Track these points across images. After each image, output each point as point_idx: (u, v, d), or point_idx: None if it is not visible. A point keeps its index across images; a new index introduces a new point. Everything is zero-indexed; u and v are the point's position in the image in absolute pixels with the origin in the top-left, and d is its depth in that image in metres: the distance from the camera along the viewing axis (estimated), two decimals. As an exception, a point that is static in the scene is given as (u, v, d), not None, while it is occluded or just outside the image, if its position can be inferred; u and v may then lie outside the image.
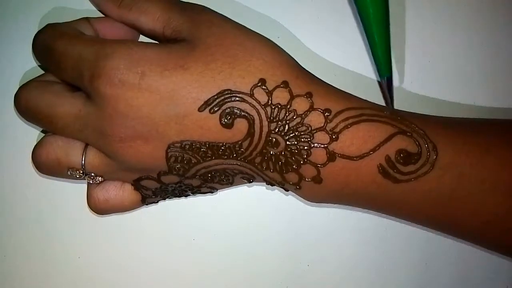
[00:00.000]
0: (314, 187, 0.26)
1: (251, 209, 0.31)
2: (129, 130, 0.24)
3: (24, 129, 0.30)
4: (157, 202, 0.29)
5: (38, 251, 0.31)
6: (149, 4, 0.26)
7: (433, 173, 0.25)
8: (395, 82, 0.31)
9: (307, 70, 0.26)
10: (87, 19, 0.27)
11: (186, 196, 0.29)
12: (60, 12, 0.30)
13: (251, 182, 0.27)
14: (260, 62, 0.25)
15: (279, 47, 0.26)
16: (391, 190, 0.26)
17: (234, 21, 0.26)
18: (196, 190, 0.28)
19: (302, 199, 0.28)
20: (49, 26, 0.27)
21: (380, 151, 0.25)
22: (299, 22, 0.31)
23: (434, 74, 0.31)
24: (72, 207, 0.30)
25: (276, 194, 0.31)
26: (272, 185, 0.27)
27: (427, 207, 0.26)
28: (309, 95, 0.25)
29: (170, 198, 0.29)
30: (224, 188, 0.28)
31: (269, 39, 0.26)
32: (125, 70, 0.24)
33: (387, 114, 0.26)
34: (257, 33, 0.26)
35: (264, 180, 0.27)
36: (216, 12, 0.27)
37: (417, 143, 0.25)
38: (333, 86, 0.26)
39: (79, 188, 0.30)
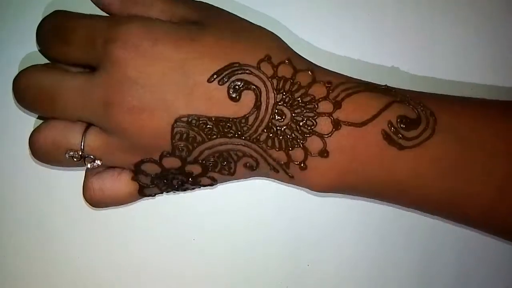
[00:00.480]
0: (321, 165, 0.26)
1: (251, 209, 0.31)
2: (136, 99, 0.25)
3: (24, 128, 0.30)
4: (154, 195, 0.29)
5: (38, 251, 0.31)
6: None
7: (436, 138, 0.25)
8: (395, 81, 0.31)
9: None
10: None
11: (184, 189, 0.28)
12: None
13: (254, 170, 0.27)
14: (265, 43, 0.26)
15: (280, 37, 0.27)
16: (398, 159, 0.26)
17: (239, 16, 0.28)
18: (196, 181, 0.27)
19: (306, 193, 0.28)
20: (57, 11, 0.27)
21: (382, 117, 0.26)
22: (298, 21, 0.31)
23: (434, 72, 0.31)
24: (72, 207, 0.30)
25: (276, 194, 0.31)
26: (277, 171, 0.27)
27: (436, 181, 0.26)
28: (310, 70, 0.26)
29: (168, 191, 0.28)
30: (225, 180, 0.28)
31: (270, 31, 0.27)
32: (140, 35, 0.25)
33: (382, 88, 0.27)
34: (259, 25, 0.28)
35: (268, 164, 0.26)
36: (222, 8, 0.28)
37: (415, 110, 0.26)
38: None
39: (80, 188, 0.30)
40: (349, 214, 0.31)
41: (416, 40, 0.31)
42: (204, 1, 0.28)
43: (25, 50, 0.30)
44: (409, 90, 0.27)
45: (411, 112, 0.26)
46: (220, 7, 0.28)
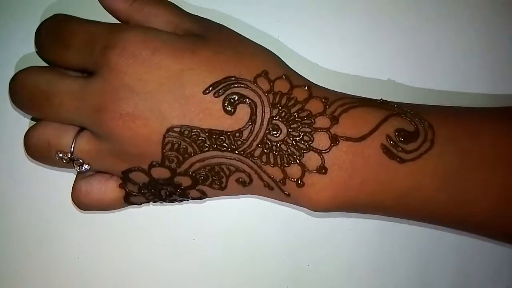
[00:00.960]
0: (319, 182, 0.25)
1: (251, 208, 0.31)
2: (130, 106, 0.24)
3: (23, 128, 0.30)
4: (140, 204, 0.29)
5: (38, 251, 0.31)
6: (162, 8, 0.27)
7: (435, 150, 0.25)
8: (395, 81, 0.31)
9: None
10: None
11: (172, 201, 0.28)
12: (62, 10, 0.30)
13: (246, 186, 0.26)
14: (262, 59, 0.26)
15: (277, 55, 0.27)
16: (398, 173, 0.25)
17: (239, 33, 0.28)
18: (184, 193, 0.27)
19: (303, 212, 0.28)
20: (57, 14, 0.27)
21: (380, 130, 0.25)
22: (299, 22, 0.31)
23: (434, 74, 0.31)
24: (72, 207, 0.30)
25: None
26: (271, 188, 0.26)
27: (437, 192, 0.26)
28: (307, 86, 0.26)
29: (155, 201, 0.28)
30: (215, 195, 0.28)
31: (268, 49, 0.28)
32: (139, 44, 0.25)
33: (379, 102, 0.27)
34: (257, 43, 0.28)
35: (262, 181, 0.26)
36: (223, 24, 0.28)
37: (412, 123, 0.26)
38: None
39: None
40: (349, 214, 0.31)
41: (416, 37, 0.31)
42: (207, 18, 0.28)
43: (23, 51, 0.30)
44: (406, 103, 0.27)
45: (409, 124, 0.26)
46: (221, 23, 0.28)
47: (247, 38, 0.27)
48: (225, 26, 0.28)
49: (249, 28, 0.30)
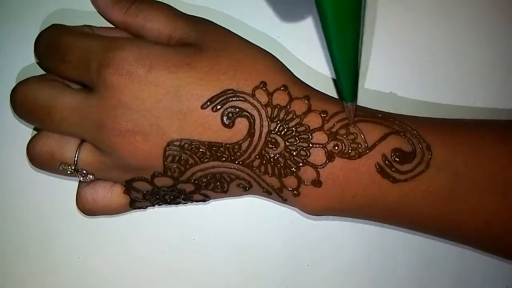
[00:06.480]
0: (313, 193, 0.26)
1: (251, 208, 0.31)
2: (130, 123, 0.25)
3: (25, 129, 0.30)
4: (146, 207, 0.29)
5: (38, 251, 0.31)
6: (157, 13, 0.27)
7: (429, 172, 0.25)
8: (395, 81, 0.31)
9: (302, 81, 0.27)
10: (89, 26, 0.28)
11: (177, 203, 0.29)
12: (62, 16, 0.30)
13: (247, 190, 0.27)
14: (261, 67, 0.26)
15: (276, 57, 0.27)
16: (390, 191, 0.26)
17: (237, 34, 0.27)
18: (188, 197, 0.28)
19: (302, 213, 0.28)
20: (54, 25, 0.27)
21: (377, 149, 0.25)
22: (299, 22, 0.31)
23: (433, 75, 0.31)
24: (72, 207, 0.30)
25: (276, 194, 0.31)
26: (270, 193, 0.27)
27: (427, 209, 0.26)
28: (306, 98, 0.26)
29: (160, 204, 0.29)
30: (218, 197, 0.28)
31: (267, 51, 0.27)
32: (134, 62, 0.24)
33: (379, 116, 0.26)
34: (256, 45, 0.27)
35: (261, 188, 0.27)
36: (220, 25, 0.28)
37: (411, 142, 0.26)
38: (328, 94, 0.27)
39: (79, 188, 0.30)
40: (349, 214, 0.31)
41: (416, 37, 0.31)
42: (202, 17, 0.28)
43: (25, 54, 0.30)
44: (407, 115, 0.27)
45: (407, 144, 0.26)
46: (219, 24, 0.28)
47: (245, 41, 0.27)
48: (222, 28, 0.27)
49: (248, 28, 0.30)
